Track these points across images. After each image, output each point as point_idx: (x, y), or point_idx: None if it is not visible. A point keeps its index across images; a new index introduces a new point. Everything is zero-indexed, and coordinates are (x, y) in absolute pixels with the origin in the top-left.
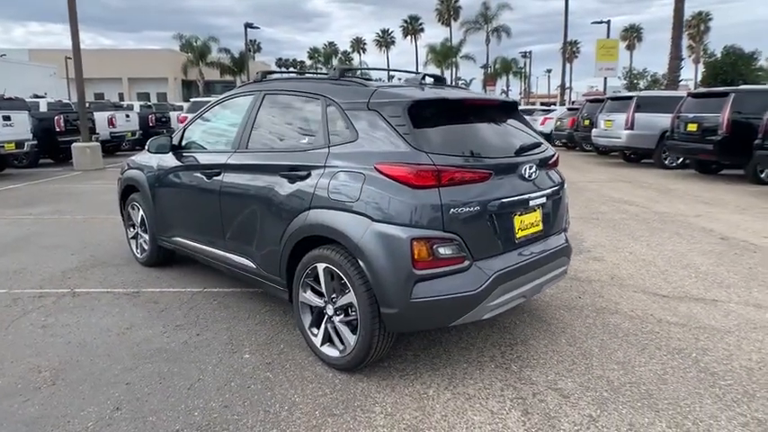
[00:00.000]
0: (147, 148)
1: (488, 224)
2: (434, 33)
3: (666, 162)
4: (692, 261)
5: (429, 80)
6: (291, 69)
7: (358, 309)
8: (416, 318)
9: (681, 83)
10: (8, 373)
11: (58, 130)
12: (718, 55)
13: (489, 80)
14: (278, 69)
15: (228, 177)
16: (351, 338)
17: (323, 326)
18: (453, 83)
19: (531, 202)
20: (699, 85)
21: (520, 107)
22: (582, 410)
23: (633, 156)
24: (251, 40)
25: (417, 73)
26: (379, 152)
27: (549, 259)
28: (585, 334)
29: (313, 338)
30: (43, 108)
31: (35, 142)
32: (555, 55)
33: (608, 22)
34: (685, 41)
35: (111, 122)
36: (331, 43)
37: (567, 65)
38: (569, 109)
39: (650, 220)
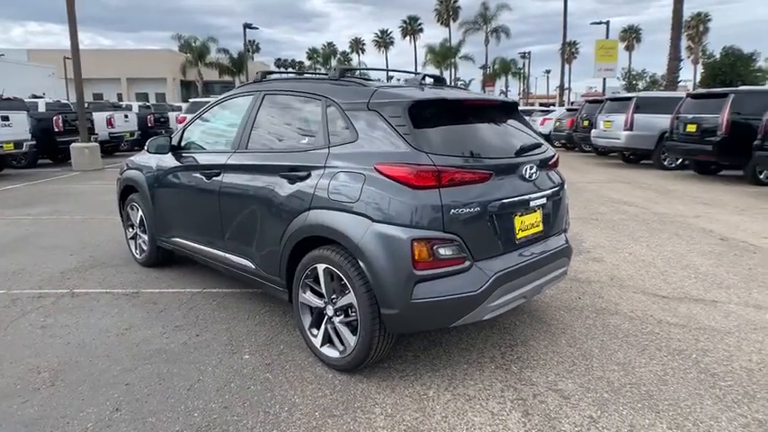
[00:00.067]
0: (146, 148)
1: (489, 225)
2: (433, 34)
3: (665, 163)
4: (692, 262)
5: (429, 80)
6: (290, 70)
7: (358, 309)
8: (417, 318)
9: (680, 84)
10: (7, 374)
11: (56, 130)
12: (717, 56)
13: (488, 81)
14: (277, 70)
15: (228, 178)
16: (351, 339)
17: (323, 327)
18: (452, 83)
19: (532, 203)
20: (698, 86)
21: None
22: (582, 411)
23: (632, 156)
24: (250, 41)
25: (417, 73)
26: (380, 152)
27: (549, 260)
28: (585, 335)
29: (313, 339)
30: (42, 108)
31: (34, 142)
32: (554, 55)
33: (607, 23)
34: (684, 42)
35: (109, 123)
36: (330, 44)
37: (566, 65)
38: (568, 110)
39: (650, 221)
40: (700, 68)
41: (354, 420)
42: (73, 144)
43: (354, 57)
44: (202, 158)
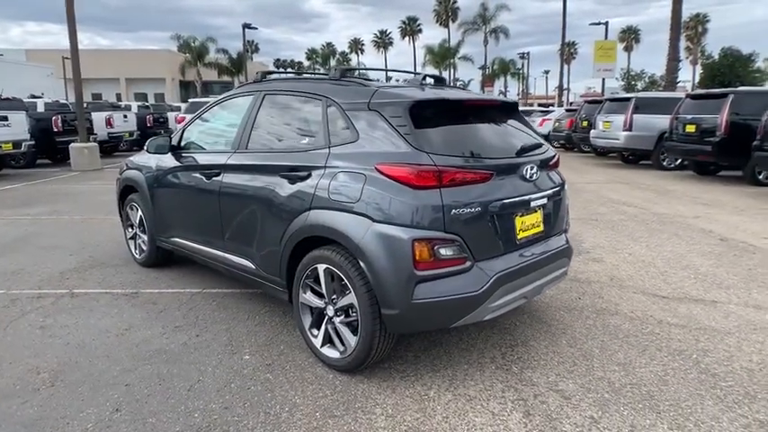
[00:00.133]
0: (145, 148)
1: (490, 225)
2: (432, 34)
3: (665, 163)
4: (692, 262)
5: (429, 81)
6: (289, 70)
7: (359, 310)
8: (417, 319)
9: (678, 84)
10: (6, 375)
11: (55, 130)
12: (716, 56)
13: (487, 81)
14: (276, 70)
15: (228, 178)
16: (351, 340)
17: (323, 327)
18: (451, 84)
19: (533, 203)
20: (696, 87)
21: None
22: (583, 412)
23: (631, 157)
24: (249, 41)
25: (417, 74)
26: (380, 152)
27: (550, 260)
28: (586, 335)
29: (313, 340)
30: (41, 108)
31: (32, 142)
32: (553, 56)
33: (606, 24)
34: (683, 43)
35: (108, 123)
36: (329, 44)
37: (565, 66)
38: (567, 110)
39: (649, 222)
40: (698, 69)
41: (355, 421)
42: (72, 144)
43: (353, 57)
44: (202, 158)
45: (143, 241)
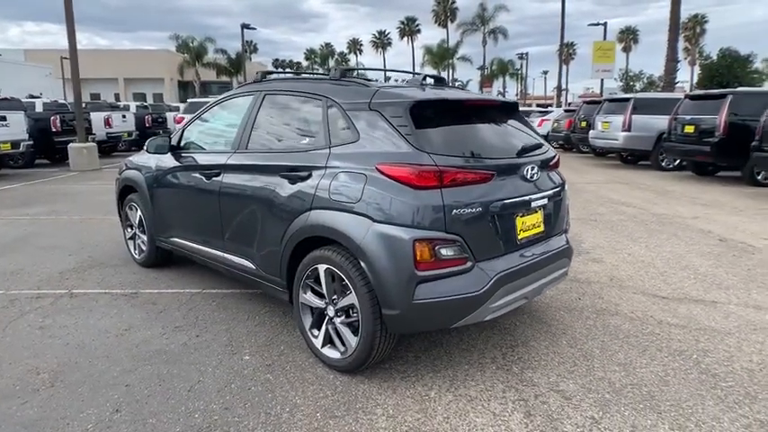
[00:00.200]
0: (145, 148)
1: (490, 225)
2: (431, 35)
3: (663, 164)
4: (691, 262)
5: (430, 81)
6: (288, 70)
7: (359, 310)
8: (418, 319)
9: (677, 85)
10: (6, 375)
11: (54, 130)
12: (714, 57)
13: (486, 82)
14: (276, 70)
15: (228, 178)
16: (352, 340)
17: (324, 327)
18: (450, 84)
19: (533, 204)
20: (695, 88)
21: None
22: (584, 412)
23: (630, 157)
24: (247, 41)
25: (417, 74)
26: (381, 153)
27: (550, 260)
28: (586, 335)
29: (314, 340)
30: (39, 108)
31: (31, 142)
32: (551, 56)
33: (604, 25)
34: (681, 44)
35: (107, 123)
36: (328, 44)
37: (564, 66)
38: (566, 110)
39: (648, 222)
40: (697, 70)
41: (356, 421)
42: (70, 144)
43: (352, 57)
44: (202, 158)
45: (142, 241)
